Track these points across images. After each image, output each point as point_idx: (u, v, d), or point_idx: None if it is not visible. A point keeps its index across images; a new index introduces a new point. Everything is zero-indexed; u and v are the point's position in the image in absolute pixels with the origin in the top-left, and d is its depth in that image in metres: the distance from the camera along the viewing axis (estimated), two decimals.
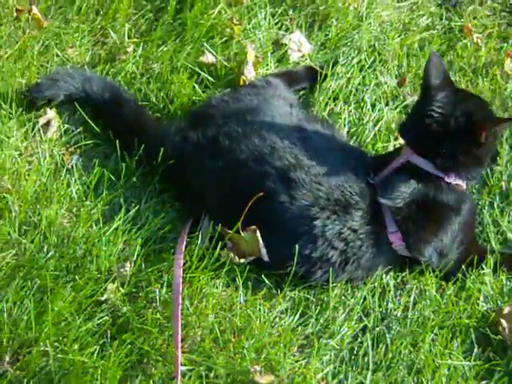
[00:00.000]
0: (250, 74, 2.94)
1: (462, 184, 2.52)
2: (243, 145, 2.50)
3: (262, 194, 2.37)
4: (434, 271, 2.53)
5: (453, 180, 2.49)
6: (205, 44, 3.01)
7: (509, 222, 2.73)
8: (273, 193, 2.43)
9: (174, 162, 2.56)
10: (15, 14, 3.03)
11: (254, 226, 2.40)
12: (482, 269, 2.53)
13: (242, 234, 2.41)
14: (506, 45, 3.28)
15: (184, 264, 2.39)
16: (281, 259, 2.43)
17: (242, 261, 2.45)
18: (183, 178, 2.57)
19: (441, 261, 2.52)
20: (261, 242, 2.41)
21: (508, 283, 2.55)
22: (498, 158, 2.86)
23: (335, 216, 2.42)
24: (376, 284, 2.50)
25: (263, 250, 2.42)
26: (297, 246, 2.39)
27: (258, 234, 2.41)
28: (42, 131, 2.74)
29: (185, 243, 2.44)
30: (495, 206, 2.75)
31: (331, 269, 2.43)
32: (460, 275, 2.53)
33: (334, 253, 2.42)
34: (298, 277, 2.45)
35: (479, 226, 2.72)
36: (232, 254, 2.44)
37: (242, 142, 2.51)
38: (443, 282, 2.54)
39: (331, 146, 2.59)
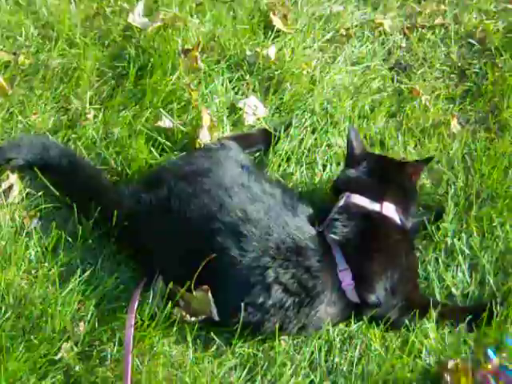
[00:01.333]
0: (205, 137, 3.06)
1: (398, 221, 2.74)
2: (193, 204, 2.61)
3: (213, 255, 2.48)
4: (378, 325, 2.62)
5: (390, 214, 2.72)
6: (161, 110, 3.14)
7: (453, 277, 2.81)
8: (224, 247, 2.53)
9: (129, 224, 2.66)
10: None
11: (205, 286, 2.50)
12: (425, 323, 2.62)
13: (194, 293, 2.51)
14: (452, 105, 3.41)
15: (136, 323, 2.48)
16: (233, 312, 2.50)
17: (193, 319, 2.53)
18: (137, 239, 2.68)
19: (388, 302, 2.61)
20: (212, 301, 2.50)
21: (450, 337, 2.63)
22: (444, 215, 2.96)
23: (287, 262, 2.53)
24: (323, 339, 2.59)
25: (214, 310, 2.51)
26: (249, 296, 2.48)
27: (210, 293, 2.50)
28: (3, 195, 2.86)
29: (137, 302, 2.53)
30: (440, 261, 2.85)
31: (284, 314, 2.51)
32: (403, 330, 2.62)
33: (287, 297, 2.51)
34: (249, 331, 2.53)
35: (425, 281, 2.81)
36: (183, 313, 2.53)
37: (192, 201, 2.62)
38: (387, 337, 2.62)
39: (279, 200, 2.70)
